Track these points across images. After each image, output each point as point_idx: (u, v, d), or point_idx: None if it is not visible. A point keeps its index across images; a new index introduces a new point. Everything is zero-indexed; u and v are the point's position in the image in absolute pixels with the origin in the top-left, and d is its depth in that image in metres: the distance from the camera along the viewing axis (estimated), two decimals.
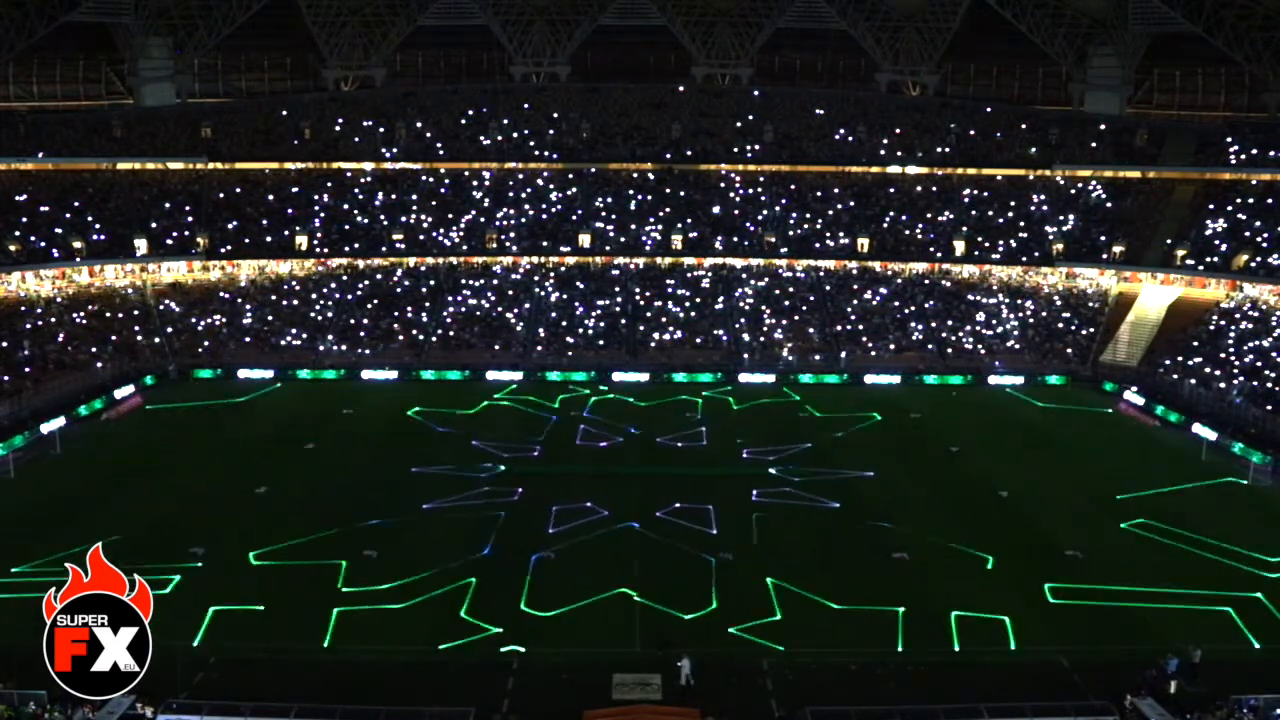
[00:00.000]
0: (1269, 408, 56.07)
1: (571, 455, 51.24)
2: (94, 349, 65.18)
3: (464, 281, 76.90)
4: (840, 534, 40.80)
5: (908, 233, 79.32)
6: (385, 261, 77.76)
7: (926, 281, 77.77)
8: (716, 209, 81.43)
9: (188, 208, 77.74)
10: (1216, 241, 72.64)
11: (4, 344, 61.63)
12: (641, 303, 75.28)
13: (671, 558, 37.86)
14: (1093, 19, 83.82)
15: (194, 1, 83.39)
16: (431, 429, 54.86)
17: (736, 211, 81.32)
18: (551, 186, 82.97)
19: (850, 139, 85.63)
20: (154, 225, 75.34)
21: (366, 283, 76.22)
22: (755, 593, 34.74)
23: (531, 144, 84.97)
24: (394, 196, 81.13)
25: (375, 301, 74.41)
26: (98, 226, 73.73)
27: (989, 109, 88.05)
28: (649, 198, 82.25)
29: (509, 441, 52.13)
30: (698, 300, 75.75)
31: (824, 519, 42.52)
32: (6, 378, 57.97)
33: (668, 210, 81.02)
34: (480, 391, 63.09)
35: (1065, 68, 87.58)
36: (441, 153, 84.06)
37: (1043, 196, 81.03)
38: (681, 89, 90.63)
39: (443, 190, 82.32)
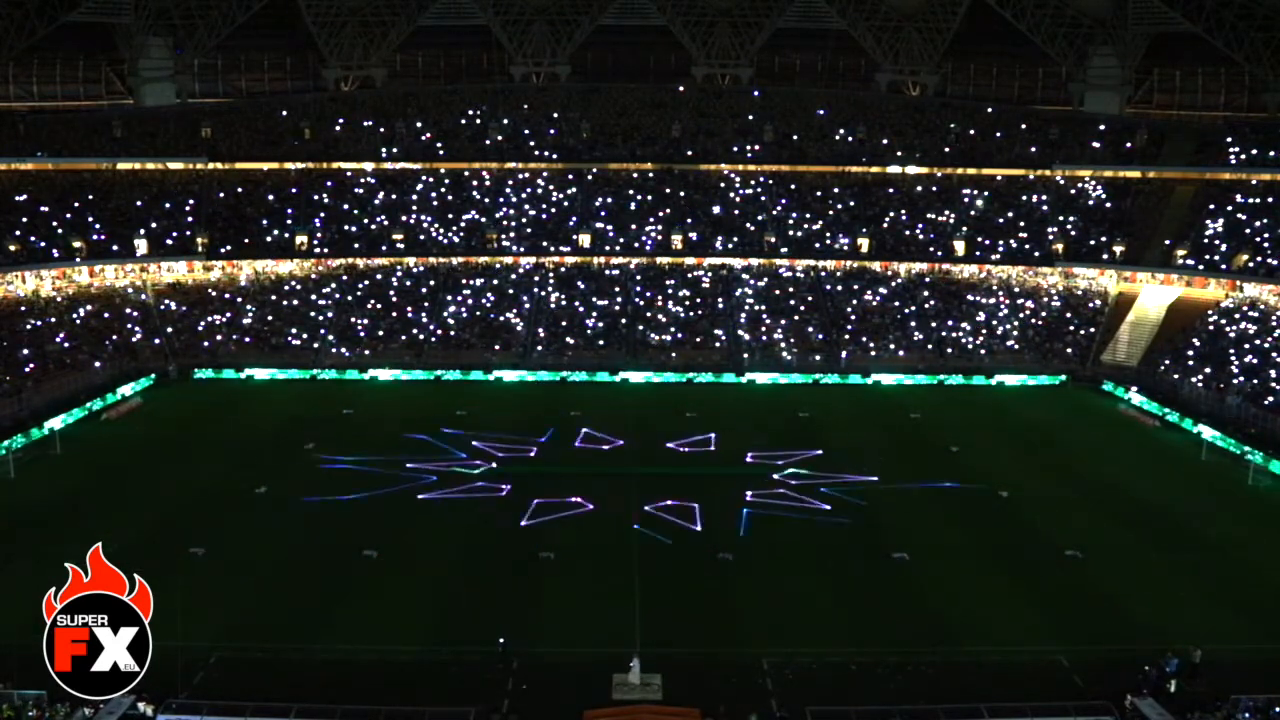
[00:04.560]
0: (1269, 401, 56.13)
1: (570, 457, 50.97)
2: (94, 349, 65.21)
3: (464, 281, 76.91)
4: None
5: (908, 233, 79.31)
6: (385, 261, 77.76)
7: (927, 281, 77.78)
8: (716, 209, 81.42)
9: (188, 208, 77.75)
10: (1216, 241, 72.63)
11: (4, 344, 61.63)
12: (641, 303, 75.29)
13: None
14: (1093, 19, 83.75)
15: (194, 1, 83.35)
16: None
17: (736, 211, 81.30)
18: (551, 186, 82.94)
19: (850, 139, 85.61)
20: (154, 225, 75.33)
21: (366, 283, 76.20)
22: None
23: (531, 144, 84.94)
24: (394, 196, 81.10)
25: (375, 301, 74.42)
26: (98, 226, 73.72)
27: (989, 109, 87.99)
28: (649, 198, 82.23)
29: (507, 442, 52.14)
30: (698, 300, 75.75)
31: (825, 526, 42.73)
32: (7, 378, 57.99)
33: (668, 210, 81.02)
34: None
35: (1065, 68, 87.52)
36: (441, 153, 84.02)
37: (1043, 196, 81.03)
38: (681, 89, 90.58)
39: (443, 190, 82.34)
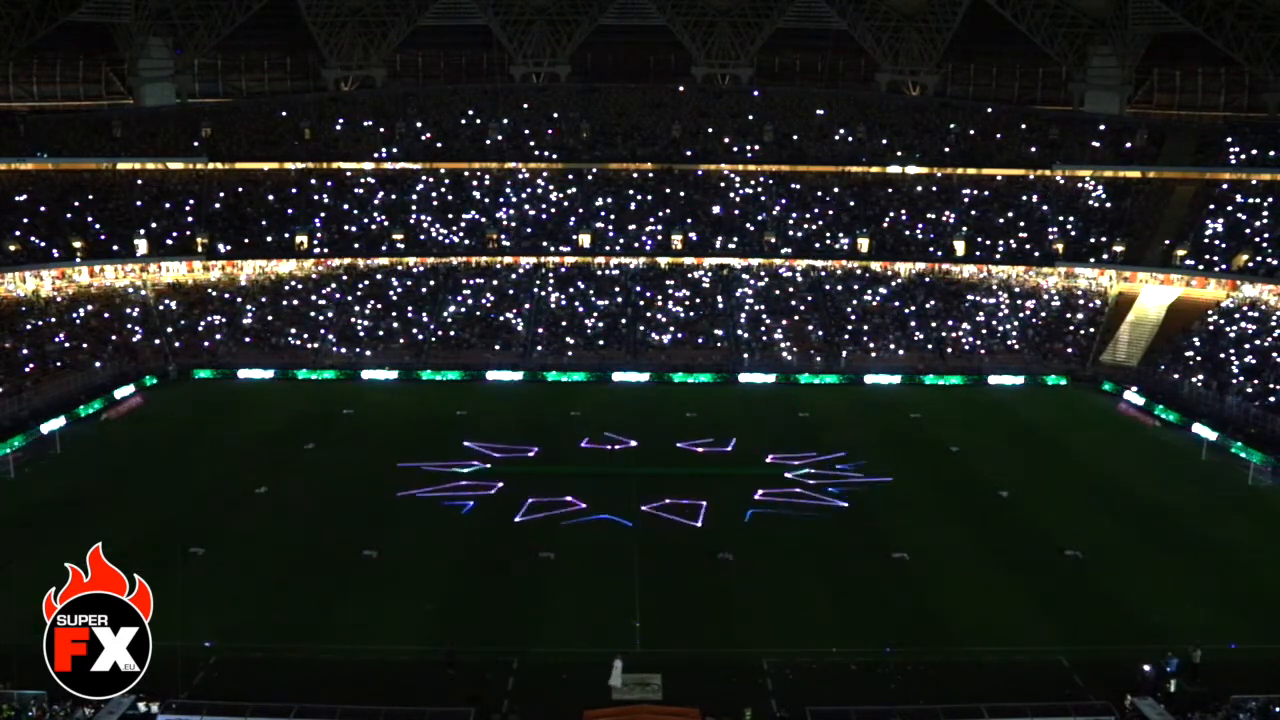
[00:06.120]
0: (1271, 400, 56.11)
1: (572, 458, 50.94)
2: (94, 349, 65.21)
3: (464, 281, 76.91)
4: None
5: (908, 233, 79.30)
6: (385, 261, 77.75)
7: (926, 281, 77.77)
8: (716, 209, 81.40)
9: (188, 208, 77.76)
10: (1216, 241, 72.62)
11: (4, 344, 61.60)
12: (641, 303, 75.28)
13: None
14: (1093, 19, 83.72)
15: (194, 1, 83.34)
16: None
17: (736, 211, 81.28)
18: (551, 186, 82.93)
19: (850, 139, 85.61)
20: (154, 225, 75.33)
21: (366, 283, 76.18)
22: None
23: (531, 144, 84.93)
24: (394, 196, 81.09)
25: (375, 301, 74.40)
26: (98, 226, 73.74)
27: (989, 109, 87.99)
28: (649, 198, 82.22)
29: (502, 442, 52.03)
30: (698, 300, 75.73)
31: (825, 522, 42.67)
32: (6, 378, 57.96)
33: (668, 210, 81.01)
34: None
35: (1065, 68, 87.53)
36: (441, 153, 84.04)
37: (1043, 196, 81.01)
38: (681, 89, 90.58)
39: (443, 190, 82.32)
